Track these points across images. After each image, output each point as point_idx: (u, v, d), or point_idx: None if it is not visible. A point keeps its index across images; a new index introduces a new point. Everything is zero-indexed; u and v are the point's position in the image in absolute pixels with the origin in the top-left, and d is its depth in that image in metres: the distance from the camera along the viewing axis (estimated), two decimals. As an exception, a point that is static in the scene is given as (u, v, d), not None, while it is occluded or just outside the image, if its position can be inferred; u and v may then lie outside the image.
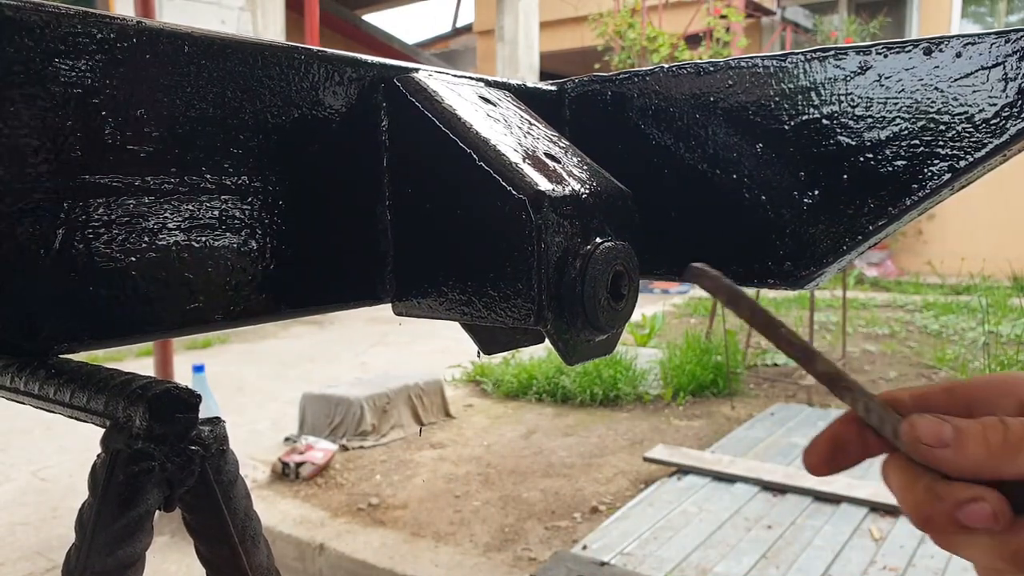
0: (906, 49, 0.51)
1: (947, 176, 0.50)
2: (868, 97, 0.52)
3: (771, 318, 0.44)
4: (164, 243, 0.45)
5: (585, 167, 0.55)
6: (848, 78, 0.53)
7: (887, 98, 0.52)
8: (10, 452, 4.61)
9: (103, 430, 0.40)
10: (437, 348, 6.74)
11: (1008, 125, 0.47)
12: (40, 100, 0.40)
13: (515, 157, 0.50)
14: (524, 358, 5.78)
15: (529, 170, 0.49)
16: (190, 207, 0.46)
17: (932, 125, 0.50)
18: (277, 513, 3.58)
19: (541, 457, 4.29)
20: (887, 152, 0.52)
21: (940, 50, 0.50)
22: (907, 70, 0.51)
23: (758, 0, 12.21)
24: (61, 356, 0.43)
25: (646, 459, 3.98)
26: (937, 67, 0.50)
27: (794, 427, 4.53)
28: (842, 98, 0.53)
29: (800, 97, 0.55)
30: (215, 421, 0.42)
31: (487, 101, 0.58)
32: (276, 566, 0.45)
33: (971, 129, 0.49)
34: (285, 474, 3.99)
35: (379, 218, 0.56)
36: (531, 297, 0.48)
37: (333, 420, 4.48)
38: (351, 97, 0.54)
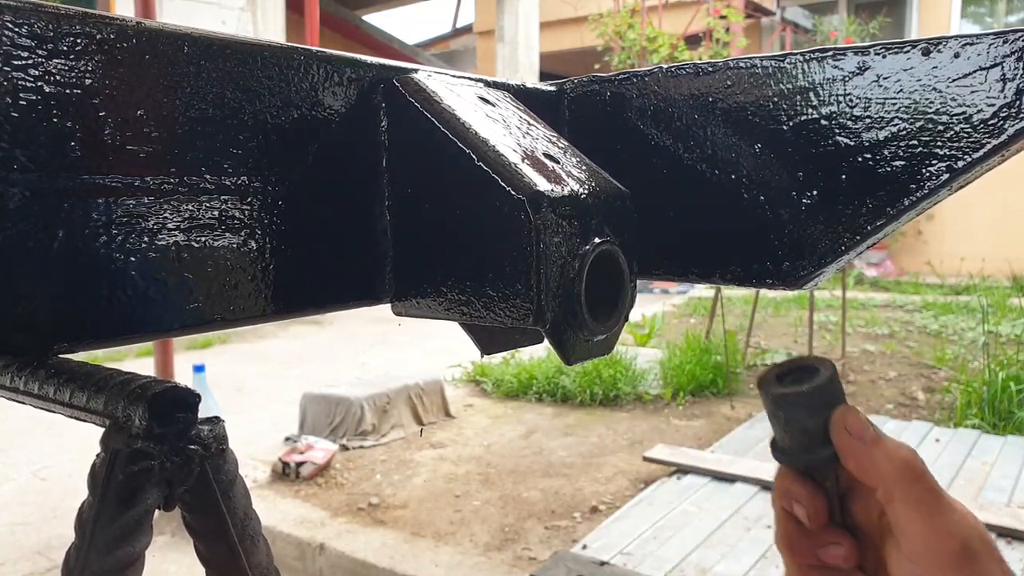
0: (904, 50, 0.51)
1: (945, 176, 0.50)
2: (866, 97, 0.52)
3: None
4: (164, 243, 0.45)
5: (584, 167, 0.55)
6: (846, 79, 0.53)
7: (885, 98, 0.52)
8: (10, 452, 4.61)
9: (103, 429, 0.40)
10: (437, 348, 6.74)
11: (1006, 125, 0.47)
12: (40, 100, 0.40)
13: (514, 157, 0.50)
14: (524, 358, 5.78)
15: (528, 170, 0.50)
16: (190, 207, 0.46)
17: (930, 125, 0.50)
18: (277, 513, 3.58)
19: (541, 457, 4.29)
20: (885, 152, 0.52)
21: (938, 51, 0.50)
22: (905, 71, 0.51)
23: (758, 0, 12.20)
24: (61, 356, 0.43)
25: (646, 459, 3.98)
26: (935, 68, 0.50)
27: (794, 427, 4.52)
28: (840, 98, 0.53)
29: (799, 97, 0.55)
30: (214, 420, 0.42)
31: (486, 101, 0.58)
32: (275, 565, 0.45)
33: (969, 129, 0.49)
34: (285, 474, 3.99)
35: (378, 218, 0.56)
36: (530, 297, 0.48)
37: (333, 420, 4.48)
38: (350, 98, 0.54)
